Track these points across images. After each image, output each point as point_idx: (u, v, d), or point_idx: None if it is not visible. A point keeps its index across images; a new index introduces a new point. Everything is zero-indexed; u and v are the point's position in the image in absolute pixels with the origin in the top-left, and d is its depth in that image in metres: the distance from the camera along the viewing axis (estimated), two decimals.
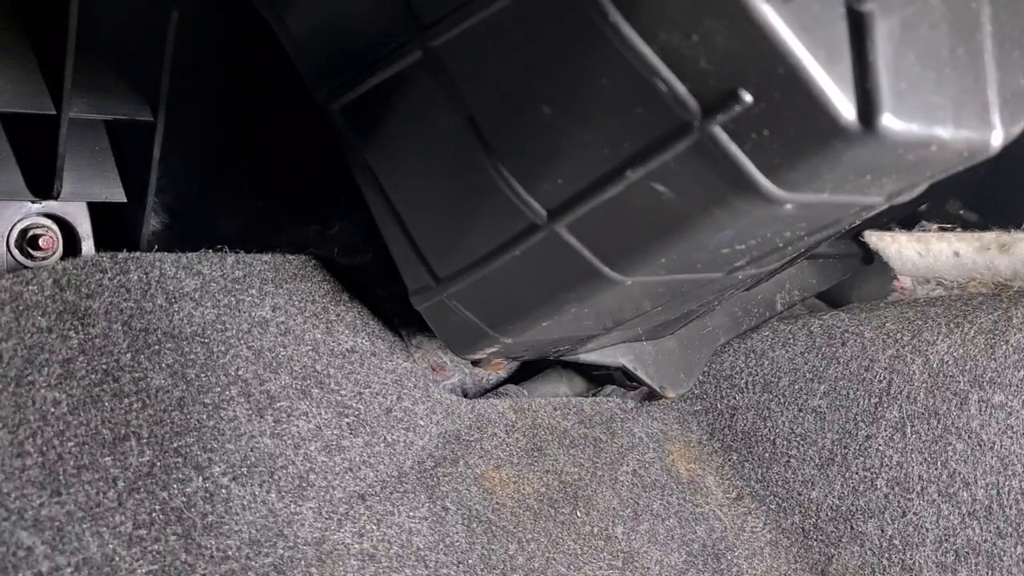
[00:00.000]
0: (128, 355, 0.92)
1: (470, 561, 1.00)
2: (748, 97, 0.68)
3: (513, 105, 0.79)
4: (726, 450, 1.30)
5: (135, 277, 0.97)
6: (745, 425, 1.30)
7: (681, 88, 0.70)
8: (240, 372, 0.97)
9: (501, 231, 0.88)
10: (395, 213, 0.96)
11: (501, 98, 0.80)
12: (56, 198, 1.03)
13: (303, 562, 0.90)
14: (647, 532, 1.15)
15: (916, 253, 1.44)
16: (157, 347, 0.94)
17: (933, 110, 0.70)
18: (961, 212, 1.65)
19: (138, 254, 0.99)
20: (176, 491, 0.87)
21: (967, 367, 1.16)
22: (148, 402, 0.90)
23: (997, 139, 0.76)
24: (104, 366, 0.90)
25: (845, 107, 0.67)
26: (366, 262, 1.22)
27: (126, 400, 0.89)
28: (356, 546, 0.94)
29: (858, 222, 0.94)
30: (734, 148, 0.71)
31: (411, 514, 1.00)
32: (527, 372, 1.37)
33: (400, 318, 1.18)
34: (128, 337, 0.93)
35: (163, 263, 0.99)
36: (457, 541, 1.01)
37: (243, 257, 1.06)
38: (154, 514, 0.84)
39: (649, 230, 0.82)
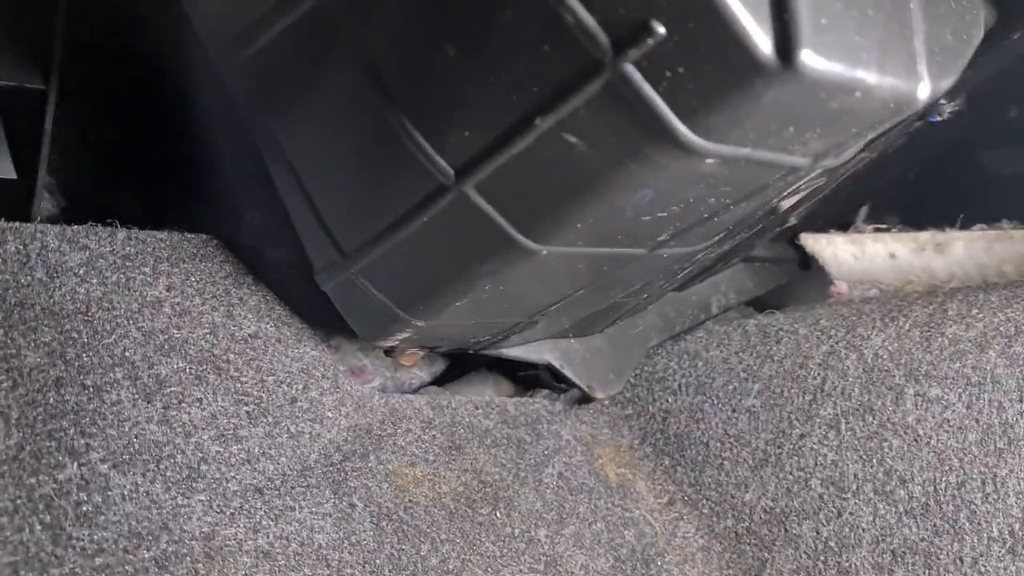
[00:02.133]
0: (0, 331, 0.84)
1: (377, 561, 0.93)
2: (661, 29, 0.63)
3: (414, 47, 0.74)
4: (658, 454, 1.24)
5: (12, 248, 0.89)
6: (678, 428, 1.24)
7: (590, 20, 0.65)
8: (127, 354, 0.90)
9: (407, 195, 0.82)
10: (298, 180, 0.89)
11: (401, 39, 0.75)
12: None
13: (189, 558, 0.82)
14: (572, 536, 1.08)
15: (852, 256, 1.41)
16: (34, 323, 0.86)
17: (856, 51, 0.66)
18: (900, 227, 1.62)
19: (17, 224, 0.91)
20: (46, 478, 0.79)
21: (902, 361, 1.12)
22: (19, 381, 0.82)
23: (924, 91, 0.72)
24: None
25: (762, 40, 0.62)
26: (281, 255, 1.15)
27: None
28: (250, 542, 0.86)
29: (786, 194, 0.89)
30: (648, 89, 0.66)
31: (314, 510, 0.92)
32: (452, 376, 1.31)
33: (315, 314, 1.11)
34: (0, 311, 0.85)
35: (45, 235, 0.92)
36: (364, 540, 0.93)
37: (136, 233, 0.99)
38: (18, 501, 0.76)
39: (563, 190, 0.76)
